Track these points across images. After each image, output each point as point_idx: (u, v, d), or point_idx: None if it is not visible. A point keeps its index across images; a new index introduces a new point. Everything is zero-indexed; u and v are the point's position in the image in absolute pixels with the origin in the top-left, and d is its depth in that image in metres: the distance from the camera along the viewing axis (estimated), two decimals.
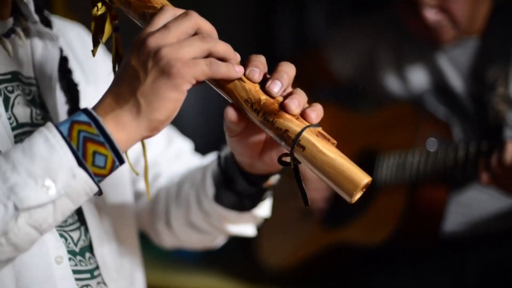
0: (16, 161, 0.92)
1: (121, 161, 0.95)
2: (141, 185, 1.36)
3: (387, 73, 2.24)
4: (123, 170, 1.24)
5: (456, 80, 2.12)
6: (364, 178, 0.91)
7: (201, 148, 1.51)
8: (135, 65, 0.94)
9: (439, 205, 2.07)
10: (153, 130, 0.95)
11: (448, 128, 2.10)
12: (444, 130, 2.09)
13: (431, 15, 2.00)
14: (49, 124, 0.95)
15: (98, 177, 0.95)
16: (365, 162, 2.17)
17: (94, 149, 0.93)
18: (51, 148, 0.92)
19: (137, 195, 1.36)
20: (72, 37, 1.28)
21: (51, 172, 0.92)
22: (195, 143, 1.49)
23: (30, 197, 0.91)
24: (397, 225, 2.09)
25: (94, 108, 0.96)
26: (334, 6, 3.02)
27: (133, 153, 1.33)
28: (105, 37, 1.05)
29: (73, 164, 0.92)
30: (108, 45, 1.08)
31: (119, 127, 0.94)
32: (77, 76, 1.22)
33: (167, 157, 1.39)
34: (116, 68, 1.06)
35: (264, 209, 1.25)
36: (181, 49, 0.92)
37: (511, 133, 2.03)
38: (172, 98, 0.93)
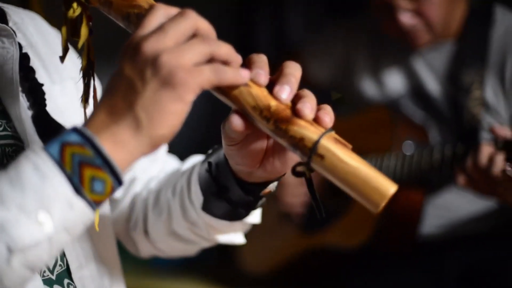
0: (4, 195, 0.80)
1: (121, 183, 0.84)
2: (117, 192, 1.24)
3: (363, 77, 2.24)
4: None
5: (432, 84, 2.13)
6: (390, 187, 0.83)
7: (179, 150, 1.40)
8: (130, 75, 0.82)
9: (416, 208, 2.07)
10: (154, 147, 0.84)
11: (424, 132, 2.11)
12: (421, 134, 2.10)
13: (407, 19, 2.01)
14: (36, 148, 0.82)
15: (96, 204, 0.83)
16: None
17: (92, 174, 0.81)
18: (42, 176, 0.81)
19: (112, 202, 1.25)
20: (31, 31, 1.13)
21: (44, 204, 0.80)
22: (174, 145, 1.42)
23: (23, 235, 0.80)
24: (375, 229, 2.10)
25: (85, 125, 0.83)
26: (312, 10, 3.02)
27: None
28: (81, 41, 0.94)
29: (69, 193, 0.81)
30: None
31: (118, 146, 0.82)
32: (40, 76, 1.09)
33: (141, 161, 1.26)
34: (86, 76, 0.96)
35: (255, 216, 1.12)
36: (182, 54, 0.81)
37: (486, 135, 2.04)
38: (176, 111, 0.82)
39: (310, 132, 0.86)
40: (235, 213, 1.08)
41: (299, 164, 0.89)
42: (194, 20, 0.84)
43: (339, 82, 2.29)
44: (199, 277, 2.59)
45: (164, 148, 1.31)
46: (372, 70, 2.22)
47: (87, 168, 0.82)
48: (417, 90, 2.15)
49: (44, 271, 1.01)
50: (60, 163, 0.81)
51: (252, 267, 2.44)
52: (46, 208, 0.81)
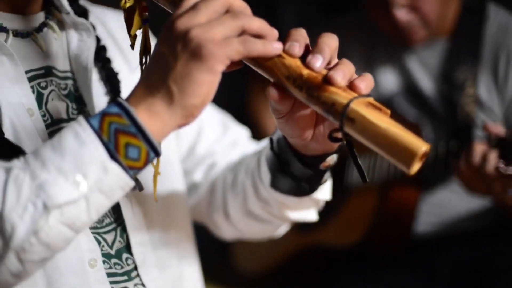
0: (46, 158, 0.88)
1: (157, 153, 0.90)
2: (197, 176, 1.30)
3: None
4: (172, 161, 1.20)
5: (425, 82, 2.13)
6: (421, 146, 0.83)
7: None
8: (164, 51, 0.88)
9: (410, 206, 2.08)
10: (189, 117, 0.89)
11: (418, 130, 2.11)
12: (414, 132, 2.10)
13: (402, 14, 2.01)
14: (80, 118, 0.90)
15: (132, 170, 0.89)
16: (336, 164, 2.18)
17: (126, 141, 0.88)
18: (81, 142, 0.88)
19: (193, 187, 1.31)
20: (113, 25, 1.22)
21: (81, 167, 0.87)
22: None
23: (60, 194, 0.87)
24: (369, 227, 2.10)
25: (126, 99, 0.90)
26: (306, 9, 3.02)
27: (188, 140, 1.30)
28: (134, 30, 1.01)
29: (104, 157, 0.87)
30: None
31: (153, 116, 0.88)
32: (119, 65, 1.17)
33: (223, 145, 1.33)
34: (143, 62, 1.03)
35: (324, 192, 1.16)
36: (212, 28, 0.86)
37: (480, 133, 2.05)
38: (205, 81, 0.86)
39: (341, 97, 0.88)
40: (300, 188, 1.12)
41: (334, 130, 0.92)
42: None
43: None
44: None
45: (245, 133, 1.37)
46: (366, 68, 2.22)
47: (122, 135, 0.88)
48: (410, 88, 2.15)
49: (103, 246, 1.07)
50: (98, 131, 0.88)
51: (246, 266, 2.44)
52: (83, 171, 0.87)
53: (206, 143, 1.31)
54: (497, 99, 2.05)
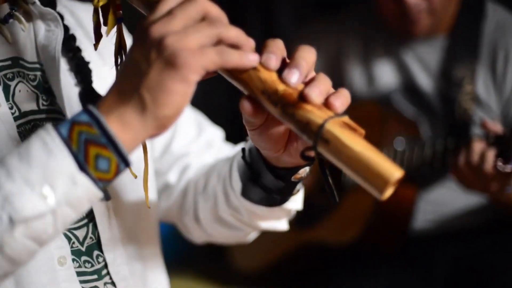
0: (11, 167, 0.84)
1: (127, 164, 0.86)
2: (171, 177, 1.28)
3: (354, 71, 2.24)
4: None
5: (423, 78, 2.13)
6: (395, 172, 0.81)
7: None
8: (137, 58, 0.84)
9: (408, 204, 2.07)
10: (161, 128, 0.85)
11: (415, 127, 2.10)
12: (412, 129, 2.10)
13: None
14: (48, 126, 0.85)
15: (102, 182, 0.85)
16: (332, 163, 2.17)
17: (97, 152, 0.84)
18: (49, 152, 0.83)
19: (166, 188, 1.29)
20: (82, 15, 1.19)
21: (49, 178, 0.83)
22: None
23: (26, 207, 0.82)
24: (366, 224, 2.09)
25: (97, 106, 0.86)
26: (302, 6, 3.02)
27: (162, 140, 1.28)
28: (109, 29, 0.97)
29: (73, 169, 0.83)
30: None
31: (124, 127, 0.84)
32: (90, 55, 1.14)
33: (198, 146, 1.31)
34: (119, 62, 1.00)
35: (296, 202, 1.14)
36: (187, 36, 0.82)
37: (478, 130, 2.04)
38: (179, 91, 0.83)
39: (316, 116, 0.85)
40: (271, 199, 1.09)
41: (307, 148, 0.89)
42: (203, 5, 0.86)
43: (330, 77, 2.27)
44: (192, 274, 2.59)
45: (220, 136, 1.34)
46: (364, 65, 2.22)
47: (92, 146, 0.84)
48: (408, 84, 2.15)
49: (73, 242, 1.04)
50: (67, 140, 0.84)
51: (243, 264, 2.44)
52: (50, 182, 0.83)
53: (182, 143, 1.29)
54: (495, 97, 2.05)
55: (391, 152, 2.02)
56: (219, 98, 2.83)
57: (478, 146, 1.74)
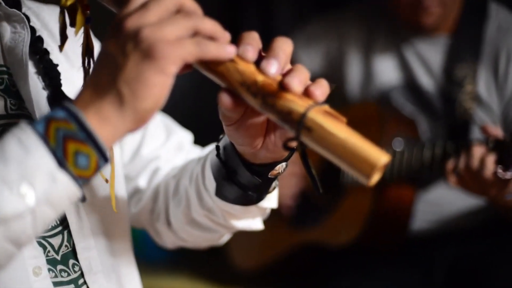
0: None
1: (106, 160, 0.84)
2: (141, 182, 1.25)
3: (354, 68, 2.23)
4: (115, 165, 1.13)
5: (424, 77, 2.13)
6: (381, 157, 0.80)
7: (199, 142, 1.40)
8: (113, 51, 0.82)
9: (407, 204, 2.06)
10: (140, 121, 0.83)
11: (414, 127, 2.09)
12: (411, 129, 2.09)
13: None
14: (22, 123, 0.83)
15: (81, 179, 0.83)
16: (330, 162, 2.16)
17: (76, 148, 0.81)
18: (26, 150, 0.80)
19: (136, 193, 1.26)
20: (47, 17, 1.16)
21: (27, 177, 0.80)
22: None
23: (5, 207, 0.79)
24: (365, 225, 2.08)
25: (73, 103, 0.84)
26: (303, 4, 3.01)
27: (131, 145, 1.26)
28: (77, 30, 0.95)
29: (52, 166, 0.81)
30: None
31: (103, 121, 0.82)
32: (57, 57, 1.11)
33: (167, 149, 1.28)
34: (86, 63, 0.98)
35: (271, 200, 1.11)
36: (164, 28, 0.81)
37: (478, 131, 2.03)
38: (157, 83, 0.81)
39: (297, 105, 0.84)
40: (247, 197, 1.07)
41: (289, 139, 0.87)
42: None
43: (330, 76, 2.27)
44: (189, 273, 2.59)
45: (189, 138, 1.32)
46: (363, 62, 2.21)
47: (71, 142, 0.81)
48: (409, 83, 2.14)
49: (49, 251, 1.01)
50: (44, 137, 0.81)
51: (242, 264, 2.43)
52: (29, 181, 0.80)
53: (151, 147, 1.27)
54: (496, 97, 2.04)
55: (390, 153, 2.01)
56: (188, 101, 2.84)
57: (478, 151, 1.71)
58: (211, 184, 1.09)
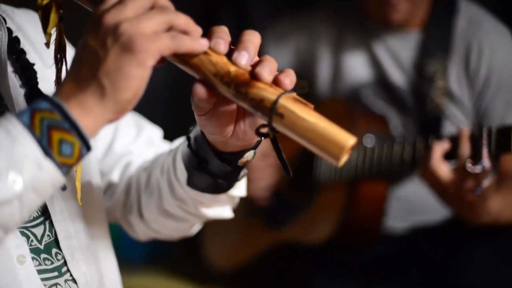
0: None
1: (89, 148, 0.89)
2: (114, 176, 1.29)
3: (324, 64, 2.23)
4: (90, 158, 1.18)
5: (395, 73, 2.13)
6: (349, 139, 0.86)
7: (171, 137, 1.43)
8: (94, 45, 0.87)
9: (379, 201, 2.06)
10: (120, 112, 0.89)
11: (385, 123, 2.10)
12: (381, 125, 2.09)
13: None
14: (8, 115, 0.88)
15: (65, 167, 0.88)
16: (304, 161, 2.18)
17: (60, 137, 0.86)
18: (12, 139, 0.85)
19: (110, 187, 1.30)
20: (21, 20, 1.20)
21: (15, 164, 0.85)
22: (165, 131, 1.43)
23: None
24: (339, 222, 2.09)
25: (55, 95, 0.89)
26: (277, 2, 3.03)
27: (104, 141, 1.29)
28: (50, 28, 1.00)
29: (38, 154, 0.86)
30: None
31: (85, 112, 0.87)
32: (33, 57, 1.15)
33: (138, 144, 1.33)
34: (58, 61, 1.02)
35: (240, 188, 1.18)
36: (141, 23, 0.87)
37: (451, 125, 2.05)
38: (137, 75, 0.87)
39: (269, 93, 0.90)
40: (217, 185, 1.13)
41: (262, 125, 0.93)
42: None
43: (300, 73, 2.28)
44: (166, 272, 2.59)
45: (159, 134, 1.37)
46: (333, 58, 2.21)
47: (56, 131, 0.86)
48: (380, 79, 2.15)
49: (32, 240, 1.06)
50: (30, 126, 0.86)
51: (219, 262, 2.44)
52: (16, 168, 0.85)
53: (123, 142, 1.31)
54: (468, 91, 2.05)
55: (361, 150, 2.02)
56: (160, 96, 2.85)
57: (439, 148, 1.72)
58: (183, 174, 1.14)
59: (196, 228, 1.30)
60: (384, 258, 2.13)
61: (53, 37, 1.02)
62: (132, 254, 2.64)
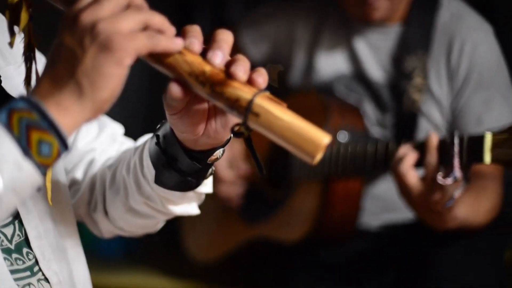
0: None
1: (67, 147, 0.88)
2: (78, 174, 1.29)
3: (299, 57, 2.21)
4: None
5: (373, 68, 2.11)
6: (324, 137, 0.88)
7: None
8: (70, 44, 0.87)
9: (354, 198, 2.06)
10: (98, 111, 0.89)
11: (360, 117, 2.09)
12: (356, 119, 2.08)
13: None
14: None
15: (43, 167, 0.87)
16: (278, 157, 2.17)
17: (39, 137, 0.86)
18: None
19: (73, 184, 1.29)
20: None
21: None
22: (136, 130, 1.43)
23: None
24: (315, 221, 2.08)
25: (30, 94, 0.88)
26: None
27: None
28: (21, 26, 1.00)
29: (17, 155, 0.85)
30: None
31: (62, 111, 0.87)
32: None
33: (101, 142, 1.33)
34: (27, 60, 1.02)
35: (207, 186, 1.18)
36: (118, 22, 0.87)
37: (426, 123, 2.04)
38: (115, 74, 0.87)
39: (244, 92, 0.91)
40: (186, 183, 1.13)
41: (237, 124, 0.94)
42: None
43: (276, 61, 2.26)
44: (145, 268, 2.59)
45: (121, 130, 1.36)
46: (309, 51, 2.19)
47: (34, 131, 0.86)
48: (356, 73, 2.13)
49: (2, 241, 1.05)
50: (8, 126, 0.85)
51: (197, 255, 2.43)
52: None
53: (85, 140, 1.31)
54: (446, 89, 2.03)
55: (335, 145, 2.00)
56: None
57: (417, 155, 1.71)
58: (150, 172, 1.14)
59: (160, 225, 1.31)
60: (360, 256, 2.13)
61: (21, 37, 1.02)
62: (109, 250, 2.64)
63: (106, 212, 1.27)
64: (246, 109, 0.90)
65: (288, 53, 2.23)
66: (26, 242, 1.09)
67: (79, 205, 1.29)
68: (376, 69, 2.11)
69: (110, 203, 1.25)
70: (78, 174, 1.29)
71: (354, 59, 2.14)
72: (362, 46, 2.12)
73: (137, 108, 2.87)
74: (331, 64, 2.16)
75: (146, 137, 1.24)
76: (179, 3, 2.95)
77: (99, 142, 1.32)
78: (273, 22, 2.26)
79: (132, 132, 1.41)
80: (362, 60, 2.12)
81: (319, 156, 0.88)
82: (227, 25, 2.43)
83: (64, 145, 0.88)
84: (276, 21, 2.26)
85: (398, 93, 2.07)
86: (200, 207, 1.26)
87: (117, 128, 1.37)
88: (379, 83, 2.11)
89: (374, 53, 2.12)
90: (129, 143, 1.35)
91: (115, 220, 1.27)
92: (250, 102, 0.90)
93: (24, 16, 1.00)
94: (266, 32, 2.28)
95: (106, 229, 1.30)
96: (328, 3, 2.19)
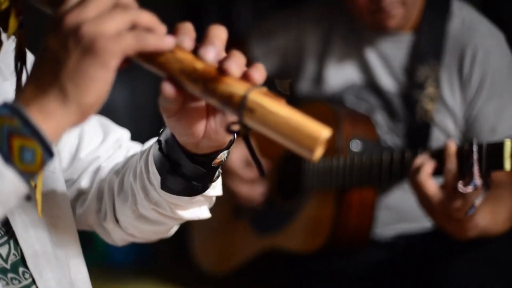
0: None
1: (51, 154, 0.85)
2: (84, 183, 1.27)
3: (310, 67, 2.20)
4: (54, 168, 1.16)
5: (385, 77, 2.10)
6: (323, 131, 0.84)
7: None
8: (54, 47, 0.85)
9: (368, 208, 2.04)
10: (84, 115, 0.86)
11: (372, 126, 2.08)
12: (368, 129, 2.07)
13: None
14: None
15: (27, 174, 0.84)
16: (291, 168, 2.16)
17: (21, 144, 0.83)
18: None
19: (80, 195, 1.27)
20: None
21: None
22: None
23: None
24: (328, 232, 2.06)
25: (15, 100, 0.86)
26: (264, 2, 3.03)
27: (68, 149, 1.26)
28: (10, 33, 0.97)
29: None
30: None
31: (46, 116, 0.84)
32: None
33: (106, 148, 1.30)
34: (18, 68, 0.99)
35: (216, 188, 1.15)
36: (103, 23, 0.84)
37: (439, 133, 2.03)
38: (100, 77, 0.84)
39: (238, 88, 0.87)
40: (192, 188, 1.10)
41: (233, 122, 0.90)
42: None
43: (285, 71, 2.26)
44: (155, 278, 2.58)
45: (127, 135, 1.34)
46: (319, 61, 2.18)
47: (16, 138, 0.83)
48: (368, 83, 2.12)
49: None
50: None
51: (208, 268, 2.42)
52: None
53: (89, 148, 1.28)
54: (459, 98, 2.01)
55: (348, 157, 1.99)
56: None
57: (431, 163, 1.70)
58: (156, 178, 1.11)
59: (173, 230, 1.28)
60: (374, 266, 2.11)
61: (13, 46, 0.99)
62: (120, 259, 2.63)
63: (116, 220, 1.24)
64: (240, 105, 0.86)
65: (298, 64, 2.22)
66: (22, 261, 1.06)
67: (88, 214, 1.27)
68: (388, 78, 2.10)
69: (119, 210, 1.22)
70: (84, 183, 1.27)
71: (365, 68, 2.12)
72: (373, 55, 2.11)
73: (146, 111, 2.86)
74: (341, 73, 2.15)
75: (152, 141, 1.22)
76: (188, 17, 2.96)
77: (103, 150, 1.30)
78: (283, 33, 2.25)
79: (142, 136, 1.38)
80: (373, 69, 2.11)
81: (319, 152, 0.84)
82: (237, 37, 2.45)
83: (48, 151, 0.85)
84: (285, 32, 2.25)
85: (411, 103, 2.06)
86: (211, 218, 1.24)
87: (123, 134, 1.35)
88: (390, 92, 2.10)
89: (385, 62, 2.10)
90: (136, 147, 1.32)
91: (126, 228, 1.24)
92: (244, 97, 0.86)
93: (12, 23, 0.97)
94: (276, 44, 2.27)
95: (118, 237, 1.28)
96: (337, 13, 2.18)
